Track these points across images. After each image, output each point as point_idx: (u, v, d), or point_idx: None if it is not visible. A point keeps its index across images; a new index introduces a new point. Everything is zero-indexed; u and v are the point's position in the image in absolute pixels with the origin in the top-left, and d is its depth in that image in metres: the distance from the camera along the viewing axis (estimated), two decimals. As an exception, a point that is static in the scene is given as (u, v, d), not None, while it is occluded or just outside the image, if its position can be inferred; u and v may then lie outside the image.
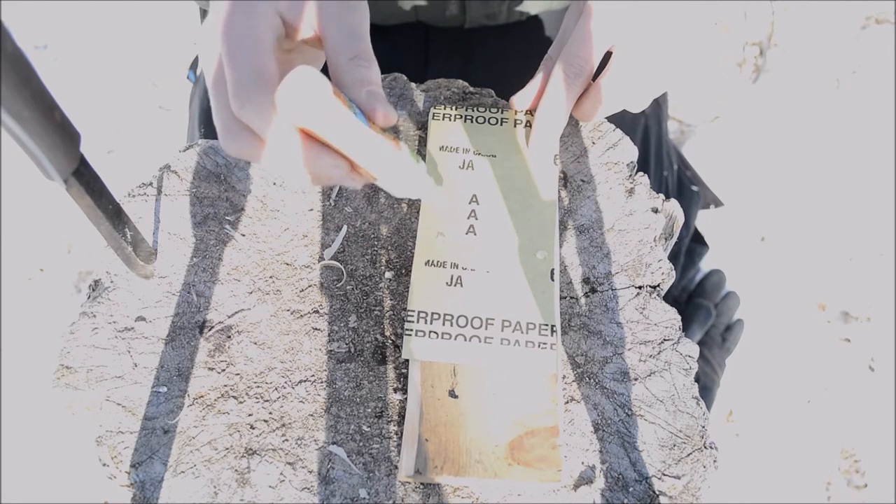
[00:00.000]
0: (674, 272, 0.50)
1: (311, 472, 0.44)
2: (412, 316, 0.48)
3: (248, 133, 0.39)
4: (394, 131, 0.56)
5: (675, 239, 0.55)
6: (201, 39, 0.42)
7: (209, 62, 0.41)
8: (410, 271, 0.50)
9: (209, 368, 0.47)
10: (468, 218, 0.51)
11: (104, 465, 0.44)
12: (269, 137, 0.38)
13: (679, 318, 0.48)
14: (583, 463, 0.44)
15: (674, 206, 0.53)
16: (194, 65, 0.85)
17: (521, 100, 0.54)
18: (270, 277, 0.50)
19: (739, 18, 1.57)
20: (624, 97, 0.52)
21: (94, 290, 0.49)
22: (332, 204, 0.53)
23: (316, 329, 0.48)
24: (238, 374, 0.47)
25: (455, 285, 0.49)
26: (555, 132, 0.52)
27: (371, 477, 0.44)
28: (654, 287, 0.49)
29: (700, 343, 1.21)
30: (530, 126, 0.54)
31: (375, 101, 0.39)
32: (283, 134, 0.37)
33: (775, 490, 1.19)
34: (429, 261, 0.49)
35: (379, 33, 0.43)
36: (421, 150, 0.55)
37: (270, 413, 0.46)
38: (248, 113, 0.37)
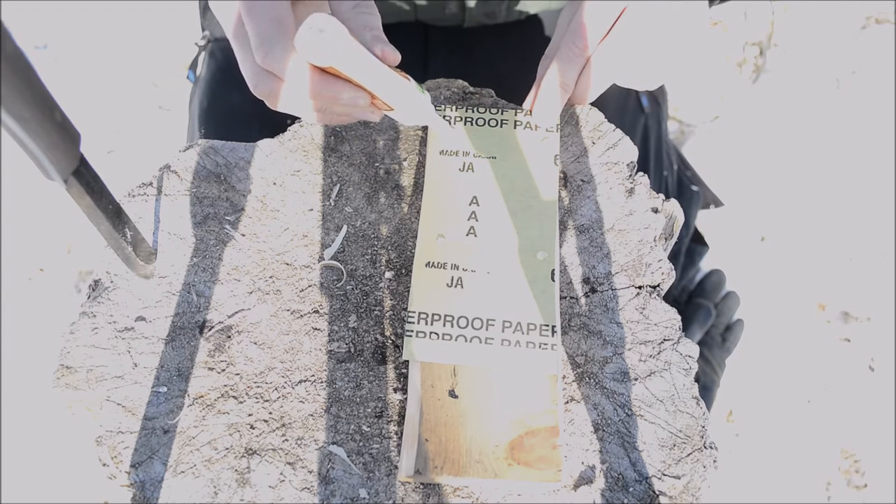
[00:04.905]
0: (674, 272, 0.50)
1: (311, 472, 0.44)
2: (412, 317, 0.48)
3: (274, 78, 0.43)
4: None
5: (675, 239, 0.55)
6: (216, 1, 0.46)
7: (227, 18, 0.45)
8: (410, 271, 0.50)
9: (209, 368, 0.47)
10: (468, 219, 0.51)
11: (104, 465, 0.44)
12: (293, 79, 0.41)
13: (679, 318, 0.48)
14: (583, 463, 0.44)
15: (674, 206, 0.53)
16: (194, 65, 0.85)
17: (528, 102, 0.54)
18: (270, 277, 0.50)
19: (739, 18, 1.57)
20: (617, 67, 0.52)
21: (94, 290, 0.49)
22: (332, 204, 0.53)
23: (316, 329, 0.48)
24: (238, 374, 0.47)
25: (455, 286, 0.49)
26: (560, 88, 0.52)
27: (371, 477, 0.44)
28: (654, 287, 0.49)
29: (700, 343, 1.21)
30: (531, 127, 0.54)
31: (379, 43, 0.43)
32: (307, 74, 0.41)
33: (775, 490, 1.19)
34: (429, 262, 0.49)
35: None
36: (421, 150, 0.55)
37: (270, 413, 0.46)
38: (272, 60, 0.41)
